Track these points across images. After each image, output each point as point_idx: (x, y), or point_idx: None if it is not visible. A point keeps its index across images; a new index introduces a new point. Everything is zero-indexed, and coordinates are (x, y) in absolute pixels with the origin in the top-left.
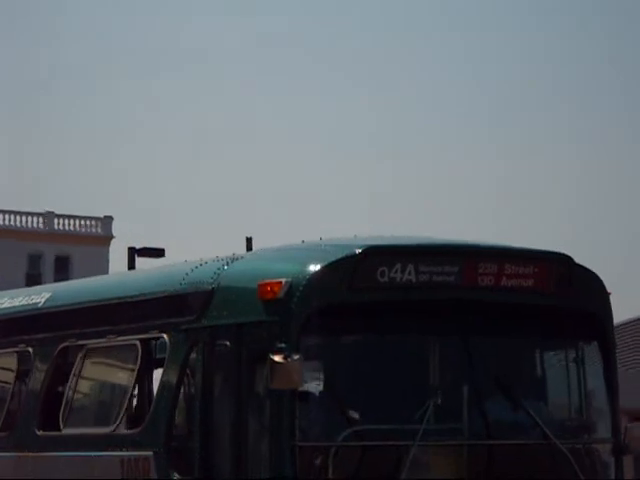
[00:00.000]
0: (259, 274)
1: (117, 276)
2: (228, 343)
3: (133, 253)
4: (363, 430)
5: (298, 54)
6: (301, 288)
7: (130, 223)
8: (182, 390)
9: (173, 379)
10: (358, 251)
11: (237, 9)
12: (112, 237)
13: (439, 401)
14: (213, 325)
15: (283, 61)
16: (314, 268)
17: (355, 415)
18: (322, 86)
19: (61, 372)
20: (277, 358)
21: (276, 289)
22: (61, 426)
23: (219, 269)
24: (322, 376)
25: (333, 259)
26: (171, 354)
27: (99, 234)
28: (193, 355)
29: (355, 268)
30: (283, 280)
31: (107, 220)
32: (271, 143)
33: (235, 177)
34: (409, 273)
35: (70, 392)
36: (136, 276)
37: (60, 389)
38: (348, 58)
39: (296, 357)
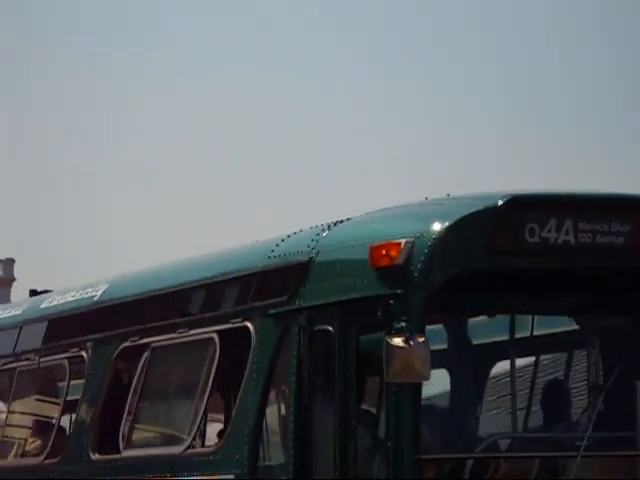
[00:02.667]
0: (371, 236)
1: (189, 259)
2: (331, 328)
3: (35, 295)
4: (508, 438)
5: None
6: (427, 250)
7: (32, 265)
8: (271, 394)
9: (260, 381)
10: (501, 202)
11: None
12: (14, 279)
13: (604, 403)
14: (310, 306)
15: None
16: (443, 225)
17: (495, 419)
18: None
19: (121, 379)
20: (396, 341)
21: (394, 253)
22: (121, 448)
23: (317, 235)
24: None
25: (468, 213)
26: (257, 348)
27: (0, 276)
28: (285, 347)
29: (498, 224)
30: (403, 241)
31: (9, 262)
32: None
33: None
34: (567, 232)
35: (132, 404)
36: (212, 257)
37: (120, 401)
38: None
39: (421, 340)
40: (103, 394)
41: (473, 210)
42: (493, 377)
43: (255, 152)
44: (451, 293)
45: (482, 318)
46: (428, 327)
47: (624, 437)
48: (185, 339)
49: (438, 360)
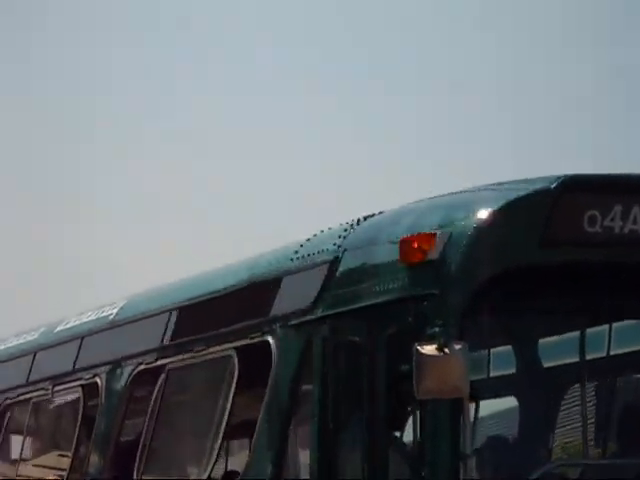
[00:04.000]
0: (402, 229)
1: (206, 271)
2: (357, 339)
3: None
4: (569, 465)
5: None
6: (466, 242)
7: None
8: (295, 414)
9: (282, 399)
10: (555, 184)
11: None
12: None
13: None
14: (334, 314)
15: None
16: (486, 212)
17: (552, 441)
18: None
19: (136, 404)
20: (427, 349)
21: (427, 246)
22: (136, 478)
23: (345, 231)
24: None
25: (515, 197)
26: (277, 366)
27: None
28: (307, 364)
29: (551, 212)
30: (438, 232)
31: None
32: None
33: None
34: (634, 221)
35: (148, 433)
36: (231, 266)
37: (136, 428)
38: None
39: (458, 347)
40: (118, 421)
41: (522, 194)
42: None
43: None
44: (496, 293)
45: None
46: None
47: None
48: (202, 358)
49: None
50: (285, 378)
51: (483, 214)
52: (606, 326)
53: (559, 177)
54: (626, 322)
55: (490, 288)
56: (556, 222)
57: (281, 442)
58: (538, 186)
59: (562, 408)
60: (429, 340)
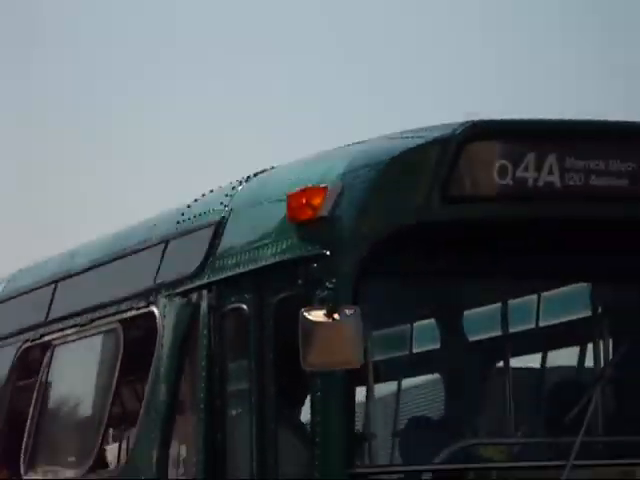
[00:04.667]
0: (292, 184)
1: (93, 240)
2: (244, 306)
3: None
4: (474, 446)
5: None
6: (359, 197)
7: None
8: (181, 392)
9: (167, 376)
10: (460, 131)
11: None
12: None
13: (617, 401)
14: (220, 279)
15: None
16: (382, 164)
17: (456, 420)
18: None
19: (21, 387)
20: (315, 315)
21: (317, 201)
22: (22, 471)
23: (234, 189)
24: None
25: (415, 145)
26: (163, 336)
27: None
28: (194, 336)
29: (455, 162)
30: (328, 186)
31: None
32: None
33: None
34: (550, 171)
35: (33, 418)
36: (116, 234)
37: (21, 415)
38: None
39: (350, 312)
40: (4, 407)
41: (422, 142)
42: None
43: None
44: (395, 253)
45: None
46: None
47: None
48: (87, 333)
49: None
50: (170, 352)
51: (379, 165)
52: (526, 294)
53: (464, 123)
54: (546, 290)
55: (387, 248)
56: (461, 174)
57: (164, 432)
58: (440, 134)
59: (479, 384)
60: (317, 305)
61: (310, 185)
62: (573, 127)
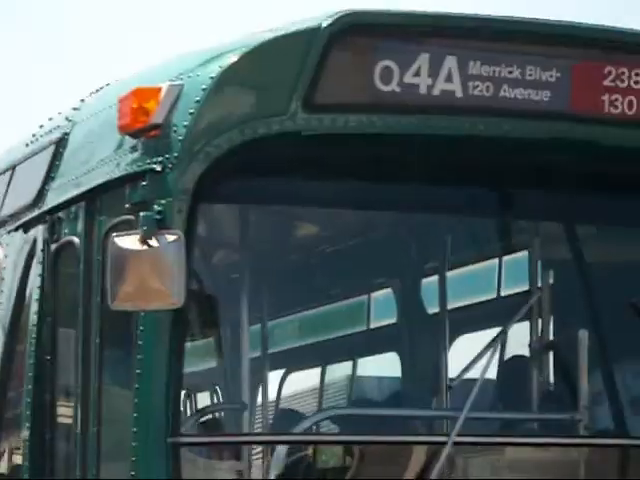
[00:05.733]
0: (128, 87)
1: None
2: (75, 237)
3: None
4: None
5: None
6: (198, 100)
7: None
8: (16, 341)
9: (2, 324)
10: (329, 22)
11: None
12: None
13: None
14: (53, 207)
15: None
16: (228, 62)
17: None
18: None
19: None
20: (126, 242)
21: (150, 106)
22: None
23: (82, 101)
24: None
25: (271, 41)
26: (4, 278)
27: None
28: (31, 273)
29: (322, 61)
30: (163, 87)
31: None
32: None
33: None
34: (449, 78)
35: None
36: None
37: None
38: None
39: (172, 238)
40: None
41: (281, 36)
42: None
43: None
44: (242, 170)
45: None
46: None
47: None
48: None
49: None
50: (7, 296)
51: (224, 63)
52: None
53: (337, 13)
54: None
55: (232, 163)
56: (330, 75)
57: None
58: (305, 26)
59: None
60: (133, 230)
61: (143, 87)
62: (481, 24)
